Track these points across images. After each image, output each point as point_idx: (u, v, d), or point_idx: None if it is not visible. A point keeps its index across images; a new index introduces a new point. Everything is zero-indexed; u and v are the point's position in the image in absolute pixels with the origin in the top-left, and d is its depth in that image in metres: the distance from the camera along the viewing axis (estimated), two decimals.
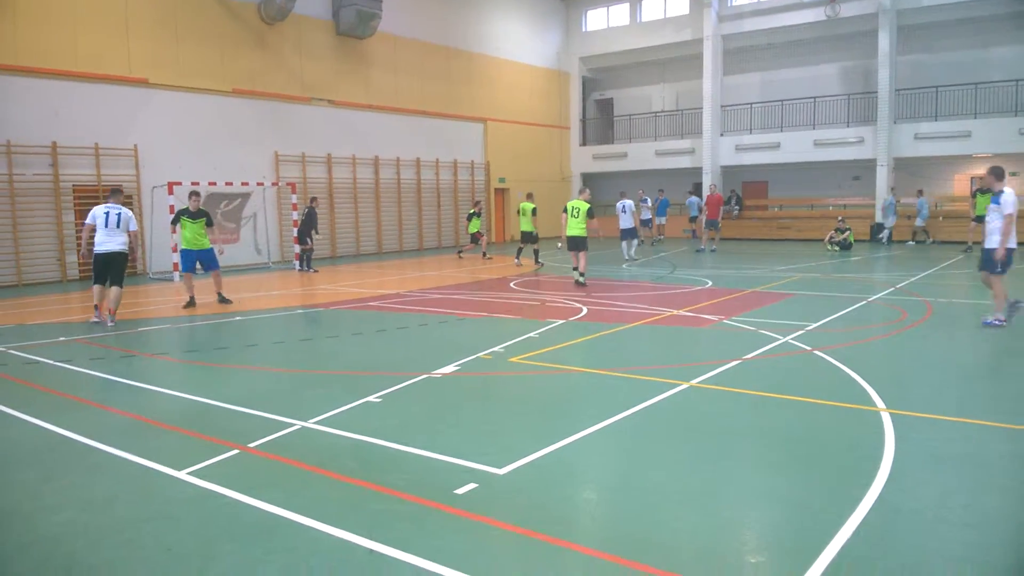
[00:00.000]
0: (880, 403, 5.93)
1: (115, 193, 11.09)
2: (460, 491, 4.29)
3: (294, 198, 19.55)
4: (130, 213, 10.99)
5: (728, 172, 28.95)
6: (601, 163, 31.64)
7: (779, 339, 8.52)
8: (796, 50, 28.07)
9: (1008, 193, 8.91)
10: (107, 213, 10.67)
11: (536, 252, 18.73)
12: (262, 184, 20.21)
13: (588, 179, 32.19)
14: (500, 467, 4.66)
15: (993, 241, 9.08)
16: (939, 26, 24.99)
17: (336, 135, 22.64)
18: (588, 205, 13.99)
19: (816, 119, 27.03)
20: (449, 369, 7.39)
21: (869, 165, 25.37)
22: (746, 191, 29.79)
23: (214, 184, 18.37)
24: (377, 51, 23.70)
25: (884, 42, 24.50)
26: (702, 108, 28.44)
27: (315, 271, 18.13)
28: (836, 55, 27.46)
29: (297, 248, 18.54)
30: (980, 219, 19.10)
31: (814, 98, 27.07)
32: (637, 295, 12.78)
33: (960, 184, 25.58)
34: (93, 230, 10.74)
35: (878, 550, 3.54)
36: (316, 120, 22.11)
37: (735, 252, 21.73)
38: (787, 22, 26.59)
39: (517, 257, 19.12)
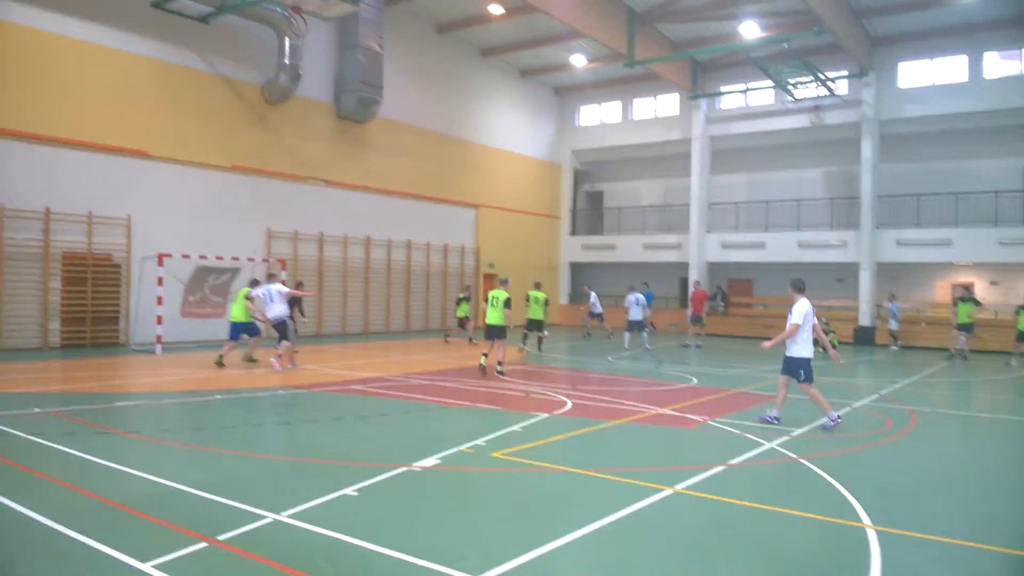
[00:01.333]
0: (866, 519, 5.84)
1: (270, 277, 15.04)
2: None
3: (283, 275, 19.58)
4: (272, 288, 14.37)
5: (714, 268, 29.38)
6: (590, 253, 32.06)
7: (764, 444, 8.45)
8: (781, 153, 28.98)
9: (801, 303, 9.65)
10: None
11: (540, 340, 19.27)
12: (252, 259, 20.25)
13: (577, 269, 32.56)
14: (478, 574, 4.51)
15: (790, 350, 9.74)
16: (921, 136, 25.95)
17: (329, 214, 22.90)
18: (507, 295, 14.12)
19: (800, 221, 27.66)
20: (430, 462, 7.25)
21: (852, 268, 25.83)
22: (732, 288, 30.16)
23: (205, 258, 18.40)
24: (375, 135, 24.26)
25: (867, 150, 25.36)
26: (689, 204, 29.08)
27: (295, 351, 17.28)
28: (820, 160, 28.35)
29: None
30: (963, 327, 19.41)
31: (798, 200, 27.77)
32: (622, 390, 12.72)
33: (942, 291, 26.02)
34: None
35: None
36: (311, 199, 22.40)
37: (721, 349, 21.78)
38: (773, 127, 27.54)
39: (523, 342, 19.48)
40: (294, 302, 17.54)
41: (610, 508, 5.89)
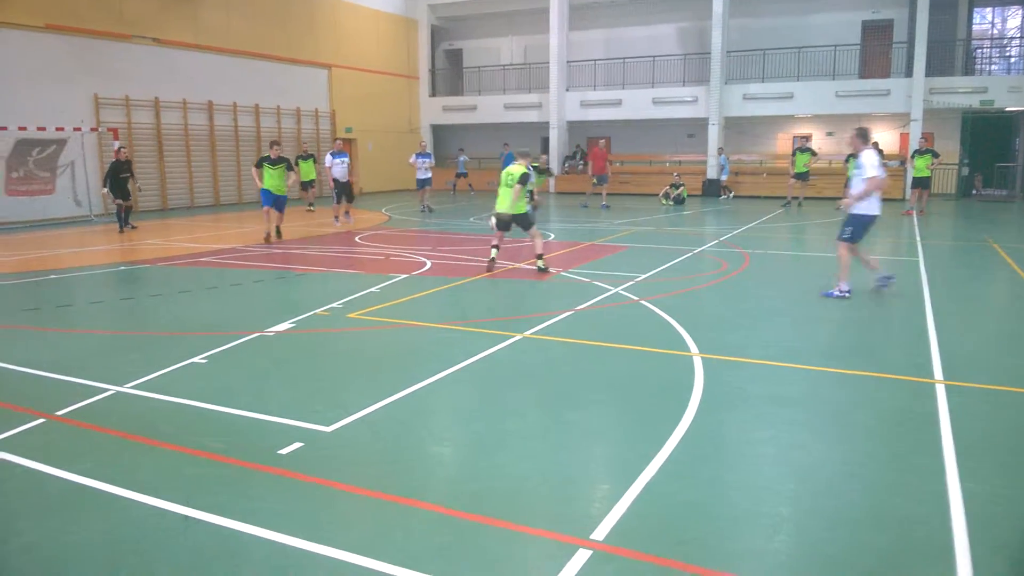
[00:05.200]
0: (694, 348, 6.40)
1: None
2: (284, 451, 4.25)
3: (116, 144, 18.04)
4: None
5: (573, 127, 29.64)
6: (451, 115, 31.42)
7: (611, 290, 8.95)
8: (637, 9, 28.91)
9: (868, 155, 8.41)
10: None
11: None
12: (80, 129, 18.50)
13: (437, 131, 31.91)
14: (328, 425, 4.65)
15: (858, 207, 8.51)
16: None
17: (164, 78, 21.00)
18: (524, 170, 10.48)
19: (655, 78, 28.11)
20: (283, 327, 7.21)
21: (702, 124, 26.80)
22: (590, 146, 30.65)
23: (24, 129, 16.62)
24: None
25: (718, 5, 25.70)
26: (549, 62, 28.81)
27: (133, 227, 16.00)
28: (674, 16, 28.54)
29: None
30: (800, 176, 20.84)
31: (653, 57, 28.09)
32: (482, 248, 12.93)
33: (783, 143, 27.58)
34: None
35: (683, 479, 3.87)
36: (141, 61, 20.38)
37: (577, 205, 22.38)
38: None
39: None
40: (121, 171, 15.94)
41: (462, 356, 6.14)
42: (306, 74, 25.93)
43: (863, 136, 8.69)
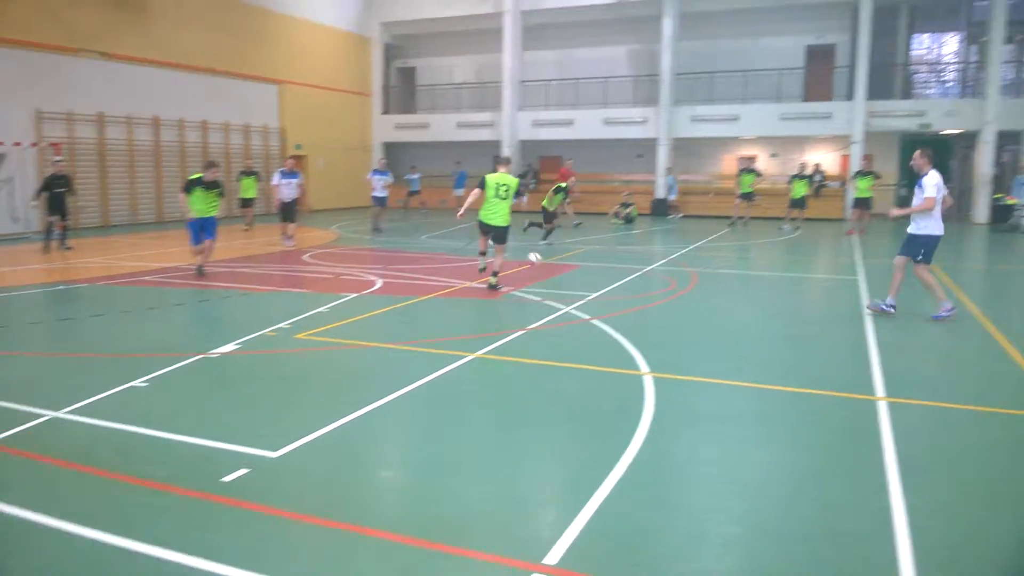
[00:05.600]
0: (644, 367, 6.45)
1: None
2: (229, 478, 4.14)
3: (57, 159, 17.49)
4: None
5: (526, 146, 29.82)
6: (403, 133, 31.33)
7: (562, 309, 8.99)
8: (590, 31, 29.32)
9: (932, 175, 8.41)
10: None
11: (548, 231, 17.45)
12: (20, 144, 17.92)
13: (390, 148, 31.79)
14: (275, 450, 4.54)
15: (917, 227, 8.55)
16: (716, 15, 27.16)
17: (110, 92, 20.44)
18: (517, 180, 10.49)
19: (607, 98, 28.50)
20: (228, 348, 7.04)
21: (652, 144, 27.24)
22: (543, 165, 30.89)
23: None
24: (157, 0, 21.68)
25: (667, 28, 26.26)
26: (502, 82, 29.01)
27: (68, 248, 14.98)
28: (625, 38, 29.01)
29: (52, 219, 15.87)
30: (745, 196, 21.30)
31: (605, 78, 28.50)
32: (434, 267, 12.89)
33: (729, 163, 28.17)
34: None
35: (635, 500, 3.88)
36: (86, 75, 19.83)
37: (518, 224, 22.38)
38: (582, 2, 27.67)
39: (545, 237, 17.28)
40: (57, 184, 15.15)
41: (413, 377, 6.07)
42: (256, 89, 25.59)
43: (927, 156, 8.60)
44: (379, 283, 10.97)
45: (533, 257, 12.21)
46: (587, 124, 27.95)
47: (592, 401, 5.66)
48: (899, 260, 8.75)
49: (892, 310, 8.69)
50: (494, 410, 5.48)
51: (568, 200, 19.63)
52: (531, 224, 18.22)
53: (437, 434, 4.99)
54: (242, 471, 4.22)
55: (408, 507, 3.96)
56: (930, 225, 8.47)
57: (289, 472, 4.29)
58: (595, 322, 8.30)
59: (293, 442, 4.66)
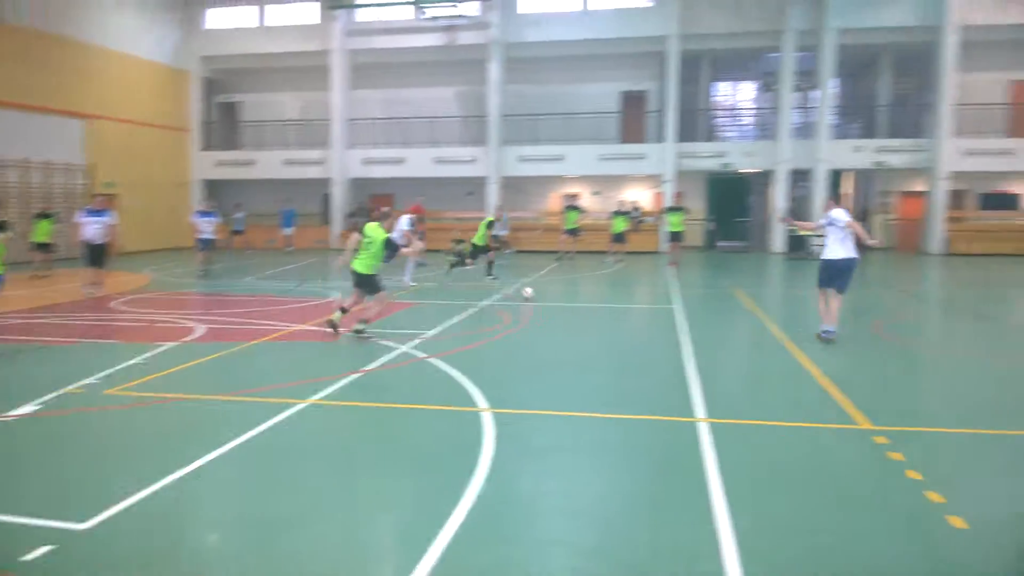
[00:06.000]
0: (483, 403, 6.50)
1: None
2: (29, 557, 3.69)
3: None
4: None
5: (357, 184, 29.50)
6: (225, 170, 29.97)
7: (399, 348, 8.88)
8: (419, 71, 29.66)
9: (839, 211, 9.36)
10: None
11: (489, 264, 17.04)
12: None
13: (212, 186, 30.27)
14: (84, 521, 4.11)
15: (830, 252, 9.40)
16: (539, 61, 28.42)
17: None
18: (385, 235, 9.87)
19: (437, 137, 28.88)
20: (26, 410, 6.32)
21: (482, 182, 27.87)
22: (374, 203, 30.65)
23: None
24: None
25: (494, 71, 27.15)
26: (331, 119, 28.62)
27: None
28: (454, 79, 29.62)
29: None
30: (571, 232, 22.24)
31: (435, 118, 28.89)
32: (262, 310, 12.33)
33: (556, 200, 29.34)
34: None
35: (478, 541, 3.85)
36: None
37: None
38: (411, 43, 27.99)
39: (490, 273, 17.07)
40: None
41: (241, 429, 5.74)
42: (58, 124, 23.51)
43: (835, 199, 9.93)
44: (202, 329, 10.32)
45: (527, 292, 13.17)
46: (418, 163, 28.16)
47: (432, 442, 5.62)
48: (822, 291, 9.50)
49: (831, 335, 9.29)
50: (329, 459, 5.29)
51: (420, 234, 19.59)
52: (453, 265, 17.90)
53: (268, 490, 4.73)
54: (45, 548, 3.78)
55: (237, 574, 3.71)
56: (826, 251, 9.36)
57: (100, 545, 3.89)
58: (432, 360, 8.27)
59: (104, 511, 4.24)
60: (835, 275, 9.31)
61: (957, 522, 4.14)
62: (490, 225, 17.22)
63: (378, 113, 29.75)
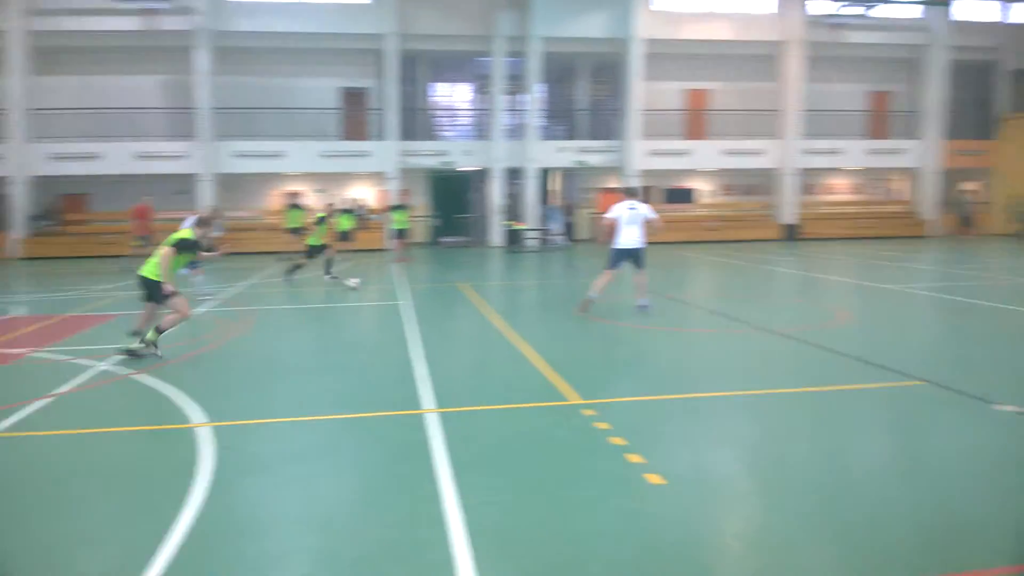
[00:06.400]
0: (201, 418, 6.06)
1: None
2: None
3: None
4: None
5: (45, 182, 25.83)
6: None
7: (97, 366, 7.96)
8: (116, 57, 26.63)
9: (619, 205, 11.30)
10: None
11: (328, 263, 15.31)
12: None
13: None
14: None
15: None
16: (251, 51, 26.92)
17: None
18: (188, 234, 9.11)
19: (138, 131, 26.24)
20: None
21: (193, 180, 25.89)
22: (67, 204, 27.09)
23: None
24: None
25: (202, 61, 25.30)
26: (5, 108, 24.71)
27: None
28: (157, 67, 27.03)
29: None
30: (293, 231, 21.47)
31: (134, 109, 26.22)
32: None
33: (276, 198, 28.15)
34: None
35: (201, 564, 3.59)
36: None
37: (54, 272, 19.50)
38: (102, 27, 25.07)
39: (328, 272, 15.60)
40: None
41: None
42: None
43: (630, 192, 11.76)
44: None
45: (351, 283, 13.72)
46: (116, 158, 25.38)
47: (141, 467, 5.12)
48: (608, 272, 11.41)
49: (646, 308, 11.18)
50: (14, 502, 4.59)
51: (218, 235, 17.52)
52: (288, 273, 16.10)
53: None
54: None
55: None
56: (617, 241, 11.23)
57: None
58: (139, 377, 7.53)
59: None
60: (624, 257, 11.36)
61: (655, 479, 4.71)
62: (322, 221, 15.96)
63: (69, 103, 26.23)
